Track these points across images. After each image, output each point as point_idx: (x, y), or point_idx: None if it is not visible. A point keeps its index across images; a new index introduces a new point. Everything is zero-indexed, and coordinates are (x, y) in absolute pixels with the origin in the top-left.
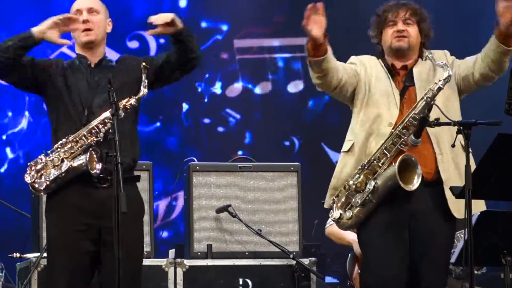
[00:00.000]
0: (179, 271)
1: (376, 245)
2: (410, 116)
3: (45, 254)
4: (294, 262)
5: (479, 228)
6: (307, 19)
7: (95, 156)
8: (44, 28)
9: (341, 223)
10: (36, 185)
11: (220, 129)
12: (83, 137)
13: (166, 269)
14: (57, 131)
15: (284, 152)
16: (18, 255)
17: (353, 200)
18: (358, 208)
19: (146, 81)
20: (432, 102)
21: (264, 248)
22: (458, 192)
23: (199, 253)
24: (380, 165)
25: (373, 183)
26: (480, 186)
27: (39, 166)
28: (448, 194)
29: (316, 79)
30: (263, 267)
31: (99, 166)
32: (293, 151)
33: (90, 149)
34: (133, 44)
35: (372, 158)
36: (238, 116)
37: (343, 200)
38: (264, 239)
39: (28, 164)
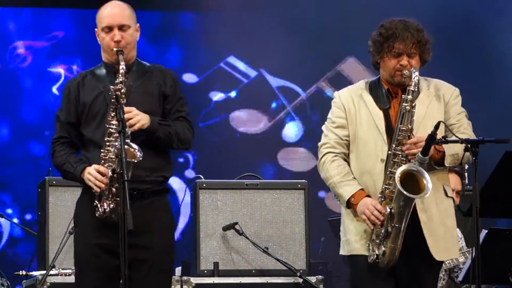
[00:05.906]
0: None
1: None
2: (398, 130)
3: (51, 272)
4: (301, 280)
5: (486, 246)
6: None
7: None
8: (86, 180)
9: (381, 263)
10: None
11: None
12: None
13: (173, 286)
14: (89, 147)
15: None
16: (24, 273)
17: (381, 234)
18: (386, 240)
19: None
20: (412, 109)
21: (271, 266)
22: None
23: (205, 271)
24: (393, 189)
25: (388, 209)
26: (488, 204)
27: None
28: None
29: None
30: (270, 285)
31: (139, 153)
32: None
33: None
34: None
35: (383, 187)
36: None
37: (377, 240)
38: (271, 256)
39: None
